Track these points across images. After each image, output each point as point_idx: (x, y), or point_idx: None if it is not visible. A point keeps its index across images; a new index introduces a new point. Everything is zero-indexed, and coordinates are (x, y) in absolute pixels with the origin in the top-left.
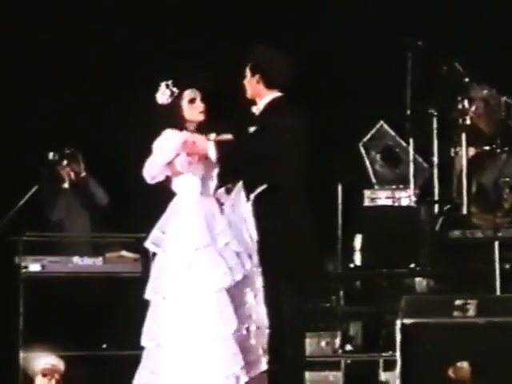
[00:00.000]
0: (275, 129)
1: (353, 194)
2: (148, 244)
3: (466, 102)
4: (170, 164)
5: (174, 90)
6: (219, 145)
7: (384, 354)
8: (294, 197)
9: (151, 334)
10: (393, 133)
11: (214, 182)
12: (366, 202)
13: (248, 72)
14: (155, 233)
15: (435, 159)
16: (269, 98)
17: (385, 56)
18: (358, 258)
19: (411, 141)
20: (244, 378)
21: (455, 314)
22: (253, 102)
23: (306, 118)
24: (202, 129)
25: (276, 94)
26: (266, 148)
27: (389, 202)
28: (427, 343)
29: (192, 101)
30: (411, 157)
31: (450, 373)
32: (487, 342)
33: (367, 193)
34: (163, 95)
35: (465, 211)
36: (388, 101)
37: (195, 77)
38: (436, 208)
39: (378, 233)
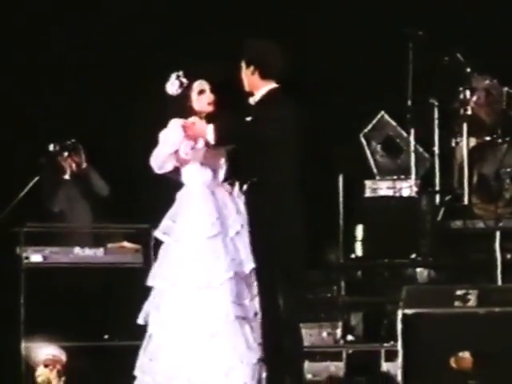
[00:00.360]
0: (270, 120)
1: (354, 185)
2: (158, 233)
3: (467, 93)
4: (175, 153)
5: (184, 80)
6: (218, 128)
7: (385, 345)
8: (288, 187)
9: (158, 321)
10: (394, 123)
11: (223, 171)
12: (368, 193)
13: (243, 64)
14: (166, 222)
15: (436, 149)
16: (265, 89)
17: (386, 46)
18: (359, 249)
19: (412, 131)
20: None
21: (456, 304)
22: (251, 95)
23: (302, 109)
24: (211, 120)
25: (272, 85)
26: (261, 138)
27: (390, 193)
28: (428, 333)
29: (201, 92)
30: (412, 147)
31: (452, 363)
32: (488, 331)
33: (368, 183)
34: (173, 86)
35: (466, 201)
36: (389, 91)
37: (204, 68)
38: (437, 198)
39: (379, 223)
